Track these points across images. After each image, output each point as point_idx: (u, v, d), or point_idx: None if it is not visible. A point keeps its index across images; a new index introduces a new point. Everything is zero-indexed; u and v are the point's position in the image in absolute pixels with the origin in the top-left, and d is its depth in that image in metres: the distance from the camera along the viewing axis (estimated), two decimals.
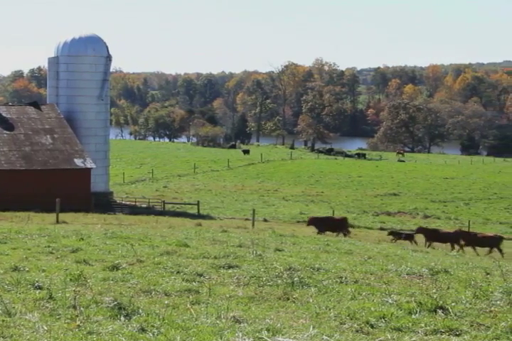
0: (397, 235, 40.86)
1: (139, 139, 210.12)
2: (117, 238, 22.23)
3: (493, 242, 38.34)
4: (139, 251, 17.72)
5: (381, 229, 52.31)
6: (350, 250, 22.95)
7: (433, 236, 39.36)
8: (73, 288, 11.92)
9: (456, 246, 37.94)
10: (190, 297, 12.31)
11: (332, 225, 41.91)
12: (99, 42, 63.37)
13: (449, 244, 38.47)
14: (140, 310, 10.92)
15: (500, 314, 11.72)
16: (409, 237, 40.28)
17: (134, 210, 54.97)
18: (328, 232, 40.76)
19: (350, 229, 42.98)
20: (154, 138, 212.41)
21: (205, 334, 9.61)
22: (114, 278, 13.93)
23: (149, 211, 54.74)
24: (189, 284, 13.53)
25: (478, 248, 37.72)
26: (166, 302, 11.82)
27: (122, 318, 10.48)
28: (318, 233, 39.77)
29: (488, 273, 16.92)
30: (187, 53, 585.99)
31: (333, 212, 55.55)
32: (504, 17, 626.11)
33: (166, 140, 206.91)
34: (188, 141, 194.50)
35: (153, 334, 9.64)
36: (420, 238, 39.82)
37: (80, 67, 62.26)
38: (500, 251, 37.38)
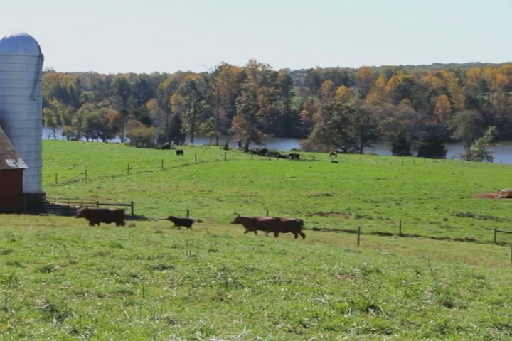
0: (176, 221, 42.77)
1: (72, 140, 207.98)
2: (50, 239, 21.98)
3: (295, 227, 41.94)
4: (71, 253, 17.56)
5: (314, 229, 52.66)
6: (283, 250, 23.07)
7: (253, 224, 41.44)
8: (4, 290, 11.77)
9: (276, 234, 40.49)
10: (124, 298, 12.25)
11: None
12: (31, 41, 62.48)
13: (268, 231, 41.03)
14: (73, 312, 10.82)
15: (430, 312, 11.95)
16: (187, 223, 42.47)
17: (67, 211, 54.36)
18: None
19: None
20: (88, 139, 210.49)
21: (139, 336, 9.58)
22: (47, 279, 13.79)
23: None
24: (123, 285, 13.47)
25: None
26: (99, 303, 11.74)
27: (54, 320, 10.38)
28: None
29: (418, 273, 17.18)
30: (120, 53, 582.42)
31: (267, 212, 55.76)
32: (434, 20, 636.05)
33: (100, 140, 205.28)
34: (122, 141, 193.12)
35: (85, 336, 9.56)
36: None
37: (12, 67, 61.31)
38: (302, 235, 41.07)
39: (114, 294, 12.65)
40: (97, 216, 42.46)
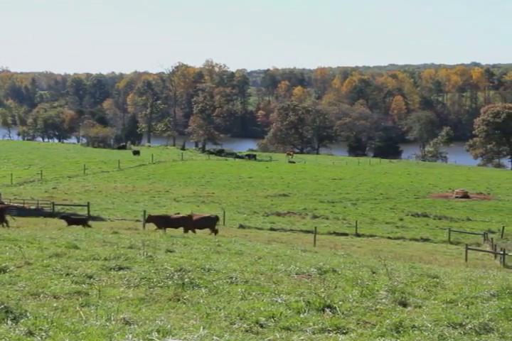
0: (68, 220, 42.72)
1: (28, 140, 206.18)
2: (5, 240, 21.74)
3: (210, 223, 42.69)
4: (27, 254, 17.38)
5: (271, 229, 52.79)
6: (240, 250, 23.11)
7: (164, 222, 41.65)
8: None
9: (188, 230, 40.91)
10: (80, 299, 12.17)
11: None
12: None
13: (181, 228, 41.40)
14: (28, 314, 10.71)
15: (386, 312, 12.05)
16: (81, 222, 42.22)
17: (22, 212, 53.72)
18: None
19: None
20: (43, 139, 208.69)
21: (95, 337, 9.53)
22: (1, 281, 13.64)
23: (38, 213, 53.64)
24: (78, 286, 13.38)
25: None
26: (55, 305, 11.66)
27: (9, 322, 10.27)
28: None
29: (374, 272, 17.32)
30: (76, 53, 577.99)
31: (224, 212, 55.73)
32: (389, 21, 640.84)
33: (56, 141, 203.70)
34: (78, 141, 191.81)
35: (41, 338, 9.48)
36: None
37: None
38: (215, 231, 41.91)
39: (70, 295, 12.56)
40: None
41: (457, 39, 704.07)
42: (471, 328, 10.92)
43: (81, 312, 11.03)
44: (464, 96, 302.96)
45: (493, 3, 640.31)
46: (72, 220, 42.52)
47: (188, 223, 41.78)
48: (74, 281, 13.89)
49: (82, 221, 42.43)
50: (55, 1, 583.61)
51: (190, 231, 40.88)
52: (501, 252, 41.10)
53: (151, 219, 42.53)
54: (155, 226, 41.33)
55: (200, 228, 42.08)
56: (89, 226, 40.64)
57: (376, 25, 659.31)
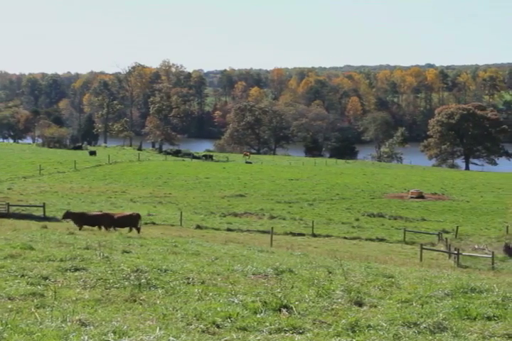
0: None
1: None
2: None
3: (131, 221, 42.45)
4: None
5: (228, 229, 52.81)
6: (197, 251, 23.11)
7: (81, 219, 41.70)
8: None
9: (104, 228, 41.07)
10: (35, 301, 12.09)
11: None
12: None
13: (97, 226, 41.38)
14: None
15: (342, 311, 12.14)
16: None
17: None
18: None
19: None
20: None
21: (50, 338, 9.46)
22: None
23: None
24: (34, 288, 13.28)
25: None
26: (10, 306, 11.56)
27: None
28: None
29: (330, 272, 17.42)
30: (31, 53, 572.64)
31: (181, 213, 55.63)
32: (345, 23, 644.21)
33: (11, 141, 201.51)
34: (34, 142, 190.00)
35: None
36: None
37: None
38: (137, 229, 41.60)
39: (25, 296, 12.47)
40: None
41: (412, 40, 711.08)
42: (425, 327, 11.05)
43: (36, 314, 10.95)
44: (418, 97, 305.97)
45: (447, 5, 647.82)
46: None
47: (106, 220, 41.63)
48: (29, 282, 13.79)
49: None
50: (10, 1, 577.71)
51: (111, 228, 41.01)
52: (455, 252, 41.61)
53: (68, 215, 42.37)
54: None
55: (121, 226, 41.83)
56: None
57: (332, 27, 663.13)
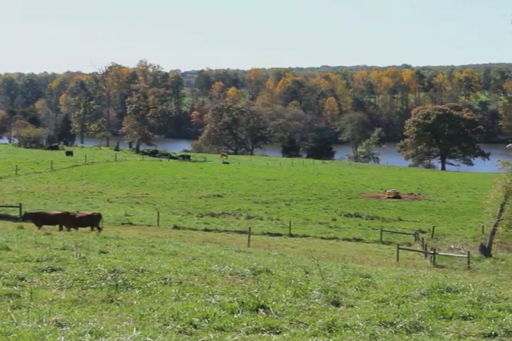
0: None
1: None
2: None
3: (92, 221, 42.48)
4: None
5: (205, 230, 52.79)
6: (174, 251, 23.10)
7: (41, 219, 41.52)
8: None
9: (65, 227, 40.90)
10: (11, 301, 12.03)
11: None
12: None
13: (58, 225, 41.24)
14: None
15: (319, 311, 12.18)
16: None
17: None
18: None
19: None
20: None
21: (26, 339, 9.43)
22: None
23: None
24: (10, 288, 13.21)
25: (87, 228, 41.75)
26: None
27: None
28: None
29: (307, 272, 17.47)
30: (7, 53, 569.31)
31: (158, 213, 55.54)
32: (322, 23, 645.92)
33: None
34: (10, 142, 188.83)
35: None
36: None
37: None
38: (99, 228, 41.61)
39: (1, 297, 12.40)
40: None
41: (388, 41, 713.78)
42: (401, 327, 11.12)
43: (12, 315, 10.90)
44: (395, 97, 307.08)
45: (424, 6, 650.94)
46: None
47: (66, 220, 41.45)
48: (5, 283, 13.70)
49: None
50: None
51: (72, 228, 40.78)
52: (431, 252, 41.84)
53: (27, 216, 42.09)
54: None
55: (82, 226, 41.75)
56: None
57: (309, 27, 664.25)
